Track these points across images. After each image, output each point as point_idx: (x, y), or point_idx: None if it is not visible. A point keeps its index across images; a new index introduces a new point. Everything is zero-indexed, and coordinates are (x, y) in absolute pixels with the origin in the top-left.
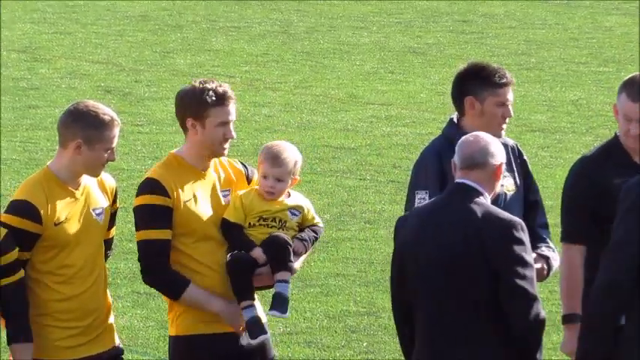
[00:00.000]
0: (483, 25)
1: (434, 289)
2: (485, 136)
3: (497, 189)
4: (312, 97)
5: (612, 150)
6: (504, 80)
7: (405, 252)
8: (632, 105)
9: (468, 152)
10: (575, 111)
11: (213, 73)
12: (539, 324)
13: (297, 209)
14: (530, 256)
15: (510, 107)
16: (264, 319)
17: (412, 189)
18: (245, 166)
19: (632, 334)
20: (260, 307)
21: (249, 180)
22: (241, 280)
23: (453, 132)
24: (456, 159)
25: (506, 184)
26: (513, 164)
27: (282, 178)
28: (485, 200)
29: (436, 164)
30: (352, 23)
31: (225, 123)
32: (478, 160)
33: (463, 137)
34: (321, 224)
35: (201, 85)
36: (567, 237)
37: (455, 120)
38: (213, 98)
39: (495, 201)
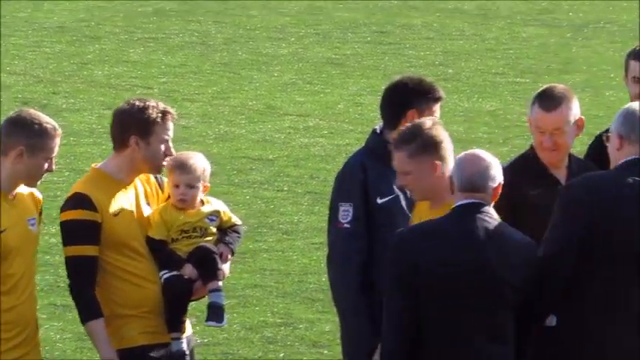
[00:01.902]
0: (401, 36)
1: (469, 306)
2: (484, 156)
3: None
4: (229, 108)
5: (528, 161)
6: (440, 94)
7: (435, 271)
8: (544, 116)
9: (467, 176)
10: (492, 122)
11: (131, 85)
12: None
13: (214, 215)
14: None
15: None
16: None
17: (336, 200)
18: (155, 177)
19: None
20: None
21: (162, 189)
22: (178, 307)
23: (376, 143)
24: (455, 179)
25: None
26: None
27: (193, 184)
28: (497, 217)
29: (360, 175)
30: (270, 34)
31: (167, 140)
32: (477, 185)
33: (463, 157)
34: (239, 222)
35: (142, 103)
36: None
37: (378, 131)
38: (159, 115)
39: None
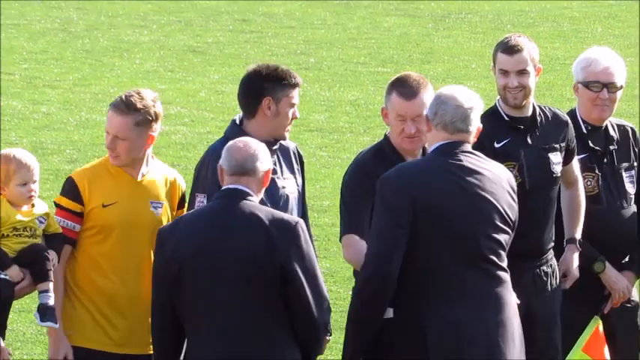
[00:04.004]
0: (263, 24)
1: (229, 293)
2: (253, 143)
3: (262, 192)
4: (91, 95)
5: (384, 150)
6: (297, 81)
7: (188, 259)
8: (404, 104)
9: (237, 159)
10: (353, 111)
11: None
12: (324, 325)
13: (44, 216)
14: (314, 253)
15: (297, 108)
16: None
17: (193, 191)
18: None
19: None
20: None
21: None
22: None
23: (234, 132)
24: (224, 165)
25: (288, 186)
26: (294, 166)
27: (36, 179)
28: (256, 202)
29: (217, 167)
30: (132, 22)
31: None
32: (248, 168)
33: (231, 143)
34: (60, 230)
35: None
36: (350, 229)
37: (237, 121)
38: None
39: (277, 203)
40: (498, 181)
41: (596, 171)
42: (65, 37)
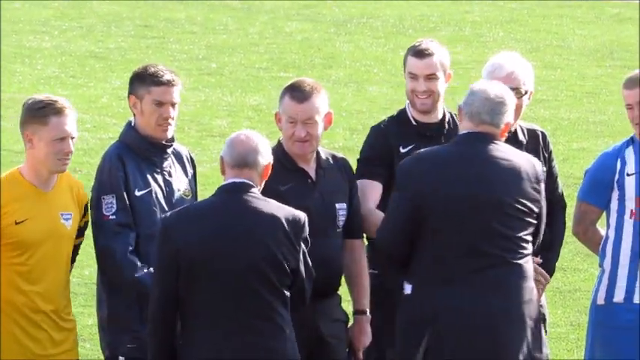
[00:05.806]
0: (165, 30)
1: (242, 289)
2: (255, 136)
3: (262, 185)
4: None
5: (277, 156)
6: (162, 79)
7: (202, 254)
8: (296, 106)
9: (240, 152)
10: (255, 116)
11: None
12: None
13: None
14: None
15: (170, 108)
16: None
17: (98, 194)
18: None
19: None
20: None
21: None
22: None
23: (129, 135)
24: (226, 157)
25: (182, 189)
26: (188, 170)
27: None
28: (259, 195)
29: (120, 168)
30: (34, 27)
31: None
32: (250, 160)
33: (234, 136)
34: None
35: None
36: None
37: (132, 123)
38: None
39: (173, 205)
40: (516, 170)
41: None
42: None
